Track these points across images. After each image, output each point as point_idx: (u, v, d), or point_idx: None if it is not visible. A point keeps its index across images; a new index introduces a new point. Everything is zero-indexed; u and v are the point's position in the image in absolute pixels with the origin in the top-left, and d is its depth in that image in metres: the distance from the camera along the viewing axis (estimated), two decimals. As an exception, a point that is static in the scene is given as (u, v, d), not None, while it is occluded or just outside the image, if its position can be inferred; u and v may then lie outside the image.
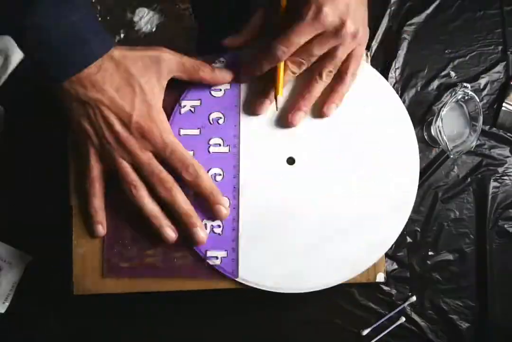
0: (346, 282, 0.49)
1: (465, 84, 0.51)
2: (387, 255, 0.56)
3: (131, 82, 0.44)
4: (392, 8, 0.59)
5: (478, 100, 0.51)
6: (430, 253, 0.56)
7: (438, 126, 0.51)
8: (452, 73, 0.59)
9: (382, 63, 0.58)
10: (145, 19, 0.55)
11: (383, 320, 0.55)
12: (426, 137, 0.56)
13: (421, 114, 0.58)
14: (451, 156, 0.51)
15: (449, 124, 0.54)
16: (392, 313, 0.55)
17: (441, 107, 0.52)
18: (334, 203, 0.48)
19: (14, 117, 0.57)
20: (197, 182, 0.46)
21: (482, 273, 0.56)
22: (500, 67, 0.59)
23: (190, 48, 0.58)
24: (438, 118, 0.51)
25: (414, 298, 0.55)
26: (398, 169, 0.49)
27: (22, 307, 0.55)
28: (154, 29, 0.55)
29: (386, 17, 0.59)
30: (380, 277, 0.49)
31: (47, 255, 0.54)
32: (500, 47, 0.59)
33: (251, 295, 0.55)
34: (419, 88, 0.58)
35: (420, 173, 0.55)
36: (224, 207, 0.47)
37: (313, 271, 0.48)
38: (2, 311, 0.55)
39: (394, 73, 0.58)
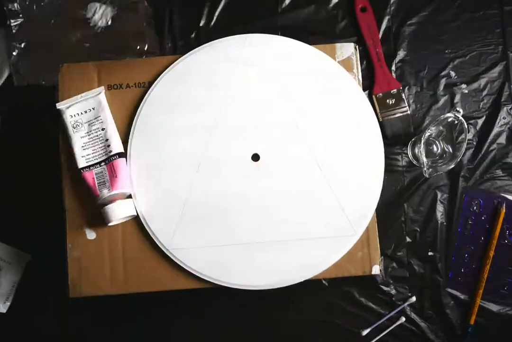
0: (343, 275, 0.49)
1: (458, 108, 0.51)
2: (386, 255, 0.56)
3: None
4: (392, 8, 0.59)
5: (466, 126, 0.51)
6: (429, 253, 0.56)
7: (420, 148, 0.52)
8: (452, 73, 0.58)
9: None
10: (99, 13, 0.55)
11: (383, 320, 0.55)
12: (410, 156, 0.56)
13: (421, 116, 0.58)
14: (426, 175, 0.52)
15: (434, 144, 0.55)
16: (392, 313, 0.55)
17: (429, 127, 0.52)
18: (283, 208, 0.49)
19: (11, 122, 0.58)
20: None
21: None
22: (500, 67, 0.59)
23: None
24: (423, 138, 0.51)
25: (414, 298, 0.55)
26: (360, 184, 0.49)
27: (23, 306, 0.56)
28: (110, 22, 0.55)
29: (386, 17, 0.59)
30: (376, 270, 0.49)
31: (47, 254, 0.55)
32: (500, 47, 0.59)
33: (251, 295, 0.55)
34: (419, 88, 0.58)
35: (400, 193, 0.57)
36: None
37: (241, 269, 0.48)
38: (4, 310, 0.55)
39: (394, 73, 0.58)
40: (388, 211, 0.56)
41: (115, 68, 0.51)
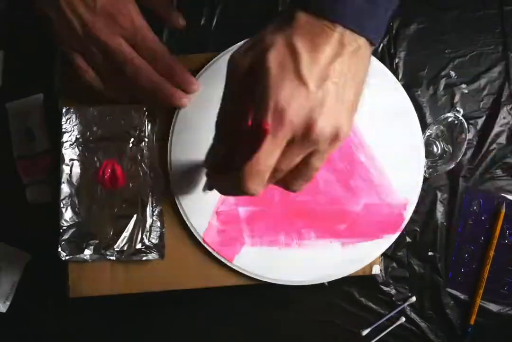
0: (342, 275, 0.49)
1: (458, 108, 0.51)
2: (386, 255, 0.56)
3: None
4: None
5: (466, 126, 0.51)
6: (429, 253, 0.56)
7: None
8: (452, 73, 0.58)
9: (382, 64, 0.58)
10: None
11: (383, 320, 0.55)
12: None
13: (421, 116, 0.58)
14: (426, 175, 0.52)
15: (434, 144, 0.55)
16: (392, 313, 0.55)
17: (429, 127, 0.52)
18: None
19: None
20: (170, 72, 0.45)
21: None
22: (500, 67, 0.59)
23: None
24: (422, 139, 0.51)
25: (414, 298, 0.55)
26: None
27: (23, 306, 0.56)
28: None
29: (386, 17, 0.59)
30: (376, 269, 0.49)
31: (47, 254, 0.54)
32: (500, 47, 0.59)
33: (251, 295, 0.55)
34: (419, 88, 0.58)
35: None
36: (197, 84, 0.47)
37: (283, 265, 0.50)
38: (4, 310, 0.55)
39: (394, 73, 0.58)
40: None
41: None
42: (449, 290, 0.56)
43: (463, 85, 0.58)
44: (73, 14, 0.42)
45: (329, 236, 0.49)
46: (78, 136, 0.49)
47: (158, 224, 0.49)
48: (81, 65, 0.45)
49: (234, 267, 0.48)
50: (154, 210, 0.49)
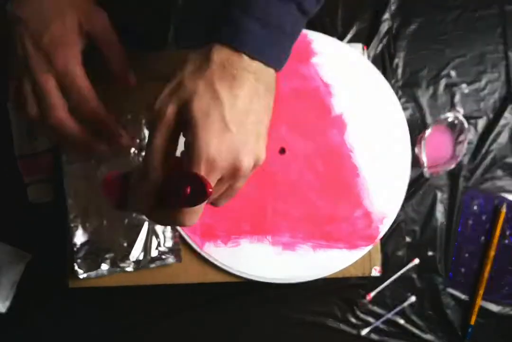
0: (343, 276, 0.49)
1: (458, 108, 0.51)
2: (386, 255, 0.56)
3: (59, 7, 0.43)
4: (392, 8, 0.59)
5: (466, 126, 0.51)
6: (429, 253, 0.56)
7: (421, 146, 0.52)
8: (452, 73, 0.58)
9: (382, 63, 0.58)
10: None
11: (382, 319, 0.55)
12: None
13: (421, 116, 0.58)
14: (426, 176, 0.52)
15: (434, 144, 0.54)
16: (392, 313, 0.55)
17: (429, 126, 0.52)
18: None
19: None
20: (96, 123, 0.44)
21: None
22: (500, 67, 0.59)
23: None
24: (423, 138, 0.51)
25: (413, 298, 0.55)
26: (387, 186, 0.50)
27: (23, 306, 0.56)
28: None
29: (386, 17, 0.59)
30: (375, 271, 0.49)
31: (47, 254, 0.55)
32: (500, 47, 0.59)
33: (250, 296, 0.55)
34: (419, 88, 0.58)
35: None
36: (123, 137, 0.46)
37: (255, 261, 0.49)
38: (3, 310, 0.55)
39: (394, 73, 0.58)
40: (388, 211, 0.56)
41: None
42: (449, 290, 0.56)
43: (463, 85, 0.58)
44: (19, 42, 0.42)
45: (303, 238, 0.49)
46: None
47: (170, 228, 0.49)
48: (18, 93, 0.44)
49: (203, 254, 0.48)
50: None
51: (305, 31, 0.50)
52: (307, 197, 0.49)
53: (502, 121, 0.58)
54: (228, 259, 0.48)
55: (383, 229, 0.49)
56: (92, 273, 0.47)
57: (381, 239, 0.50)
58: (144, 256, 0.48)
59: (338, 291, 0.56)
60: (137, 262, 0.48)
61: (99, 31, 0.45)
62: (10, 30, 0.43)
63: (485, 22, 0.59)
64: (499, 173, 0.57)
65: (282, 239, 0.49)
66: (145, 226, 0.48)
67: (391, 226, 0.56)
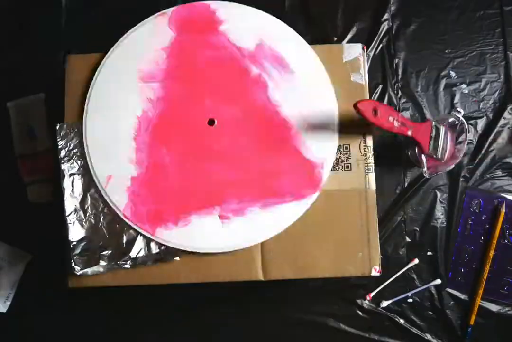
0: (342, 275, 0.49)
1: (458, 109, 0.51)
2: (386, 255, 0.56)
3: None
4: (392, 8, 0.59)
5: (466, 126, 0.51)
6: (429, 253, 0.56)
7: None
8: (452, 73, 0.59)
9: (382, 63, 0.58)
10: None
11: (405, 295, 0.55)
12: (409, 156, 0.56)
13: (421, 117, 0.58)
14: (426, 176, 0.52)
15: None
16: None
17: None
18: None
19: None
20: None
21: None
22: (500, 68, 0.59)
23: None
24: None
25: (439, 281, 0.56)
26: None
27: (23, 306, 0.56)
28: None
29: (386, 17, 0.59)
30: (375, 271, 0.49)
31: (47, 254, 0.55)
32: (500, 47, 0.59)
33: (250, 296, 0.55)
34: (419, 88, 0.58)
35: (400, 193, 0.57)
36: None
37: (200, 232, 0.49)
38: (4, 310, 0.55)
39: (394, 73, 0.58)
40: (388, 211, 0.56)
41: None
42: (449, 290, 0.56)
43: (463, 86, 0.58)
44: None
45: (250, 201, 0.49)
46: (74, 150, 0.49)
47: None
48: None
49: (157, 240, 0.48)
50: None
51: (207, 2, 0.51)
52: (246, 160, 0.49)
53: (501, 122, 0.58)
54: (182, 239, 0.48)
55: (325, 173, 0.49)
56: (89, 270, 0.47)
57: (381, 239, 0.50)
58: (145, 252, 0.48)
59: (338, 291, 0.56)
60: (135, 259, 0.47)
61: None
62: None
63: (485, 22, 0.59)
64: (499, 172, 0.57)
65: (230, 206, 0.49)
66: None
67: (391, 226, 0.56)
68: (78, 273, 0.47)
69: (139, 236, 0.48)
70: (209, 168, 0.49)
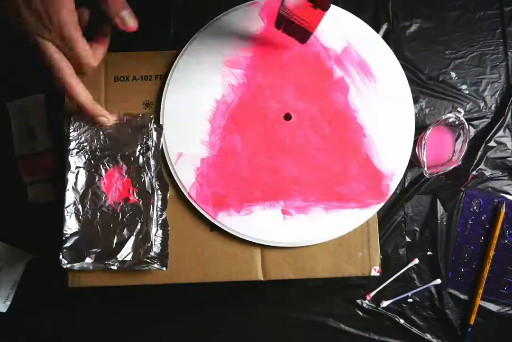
0: (342, 275, 0.49)
1: (459, 109, 0.51)
2: (386, 254, 0.56)
3: None
4: (392, 8, 0.60)
5: (467, 126, 0.51)
6: (429, 253, 0.56)
7: (421, 146, 0.52)
8: (453, 74, 0.59)
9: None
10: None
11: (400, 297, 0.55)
12: (410, 155, 0.56)
13: (422, 116, 0.58)
14: (426, 176, 0.52)
15: (435, 145, 0.54)
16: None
17: (430, 127, 0.52)
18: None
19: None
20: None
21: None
22: (500, 68, 0.59)
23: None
24: (423, 138, 0.51)
25: (439, 281, 0.56)
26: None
27: (23, 306, 0.56)
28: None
29: (386, 17, 0.59)
30: (375, 271, 0.49)
31: (47, 254, 0.54)
32: (500, 48, 0.59)
33: (250, 295, 0.55)
34: (419, 88, 0.58)
35: (400, 193, 0.57)
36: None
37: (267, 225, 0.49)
38: (4, 310, 0.55)
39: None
40: (388, 210, 0.56)
41: (122, 61, 0.52)
42: (449, 290, 0.56)
43: (464, 86, 0.58)
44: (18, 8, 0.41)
45: (315, 201, 0.49)
46: (85, 144, 0.49)
47: (161, 233, 0.49)
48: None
49: (217, 224, 0.48)
50: (158, 219, 0.48)
51: None
52: (316, 160, 0.49)
53: (501, 122, 0.58)
54: (242, 227, 0.48)
55: (393, 186, 0.49)
56: (76, 265, 0.47)
57: (381, 239, 0.50)
58: (133, 257, 0.47)
59: (338, 291, 0.56)
60: (123, 262, 0.47)
61: None
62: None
63: (485, 22, 0.59)
64: (499, 173, 0.57)
65: (294, 203, 0.49)
66: (138, 226, 0.48)
67: (391, 226, 0.56)
68: (64, 266, 0.47)
69: (130, 238, 0.48)
70: (279, 162, 0.49)
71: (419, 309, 0.56)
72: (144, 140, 0.49)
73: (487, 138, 0.57)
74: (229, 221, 0.48)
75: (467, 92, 0.58)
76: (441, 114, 0.58)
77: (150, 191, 0.49)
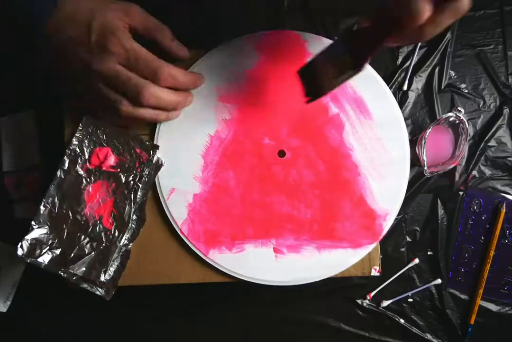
0: (342, 275, 0.49)
1: (459, 108, 0.51)
2: (386, 254, 0.56)
3: (94, 14, 0.43)
4: (392, 8, 0.59)
5: (467, 126, 0.51)
6: (429, 253, 0.56)
7: (421, 146, 0.51)
8: (452, 73, 0.58)
9: (382, 64, 0.58)
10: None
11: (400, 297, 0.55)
12: (410, 155, 0.56)
13: (421, 115, 0.58)
14: (426, 175, 0.52)
15: (435, 144, 0.54)
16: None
17: (430, 126, 0.52)
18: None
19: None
20: (173, 83, 0.45)
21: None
22: (499, 67, 0.59)
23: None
24: (424, 137, 0.51)
25: (439, 280, 0.56)
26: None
27: (23, 306, 0.56)
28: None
29: (386, 17, 0.59)
30: (375, 271, 0.49)
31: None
32: (500, 47, 0.59)
33: (250, 296, 0.55)
34: (420, 88, 0.58)
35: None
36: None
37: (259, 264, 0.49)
38: (4, 310, 0.55)
39: (395, 73, 0.58)
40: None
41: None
42: (450, 289, 0.56)
43: (463, 85, 0.58)
44: (72, 56, 0.43)
45: (307, 240, 0.49)
46: (85, 148, 0.48)
47: (120, 262, 0.48)
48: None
49: (208, 261, 0.48)
50: (123, 248, 0.48)
51: (298, 33, 0.50)
52: (310, 198, 0.49)
53: (501, 121, 0.58)
54: (234, 264, 0.48)
55: (387, 226, 0.49)
56: (30, 260, 0.46)
57: (381, 239, 0.50)
58: (83, 274, 0.46)
59: (338, 291, 0.56)
60: (73, 274, 0.47)
61: (140, 20, 0.45)
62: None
63: (485, 22, 0.59)
64: (499, 173, 0.57)
65: (287, 242, 0.49)
66: (102, 247, 0.47)
67: (391, 225, 0.56)
68: (19, 255, 0.46)
69: (90, 254, 0.47)
70: (271, 200, 0.49)
71: (420, 309, 0.56)
72: (142, 167, 0.49)
73: (487, 138, 0.57)
74: (220, 258, 0.48)
75: (466, 91, 0.58)
76: (441, 114, 0.57)
77: (126, 219, 0.48)
